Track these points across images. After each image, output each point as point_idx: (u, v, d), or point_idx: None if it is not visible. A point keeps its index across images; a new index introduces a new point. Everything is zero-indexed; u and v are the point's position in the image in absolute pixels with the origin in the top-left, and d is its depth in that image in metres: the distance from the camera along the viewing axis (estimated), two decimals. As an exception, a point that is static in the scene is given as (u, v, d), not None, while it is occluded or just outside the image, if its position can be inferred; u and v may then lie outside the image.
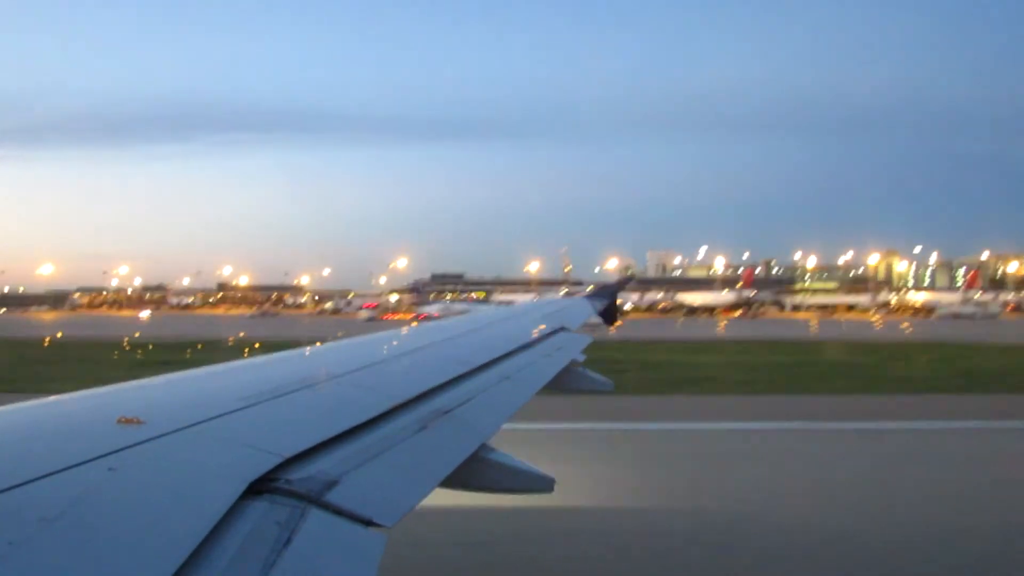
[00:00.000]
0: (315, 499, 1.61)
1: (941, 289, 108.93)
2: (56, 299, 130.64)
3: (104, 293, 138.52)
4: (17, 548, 1.16)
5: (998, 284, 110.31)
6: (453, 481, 2.16)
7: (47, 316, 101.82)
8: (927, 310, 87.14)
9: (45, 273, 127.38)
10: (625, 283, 9.88)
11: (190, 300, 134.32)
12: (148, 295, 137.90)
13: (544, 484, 2.57)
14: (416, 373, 3.10)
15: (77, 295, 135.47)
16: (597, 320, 8.19)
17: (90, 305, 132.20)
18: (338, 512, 1.60)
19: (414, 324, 5.50)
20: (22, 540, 1.19)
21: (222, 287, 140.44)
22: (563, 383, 4.45)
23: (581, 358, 5.12)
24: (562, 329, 5.67)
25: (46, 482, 1.39)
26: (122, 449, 1.60)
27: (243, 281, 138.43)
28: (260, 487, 1.59)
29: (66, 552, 1.20)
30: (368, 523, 1.60)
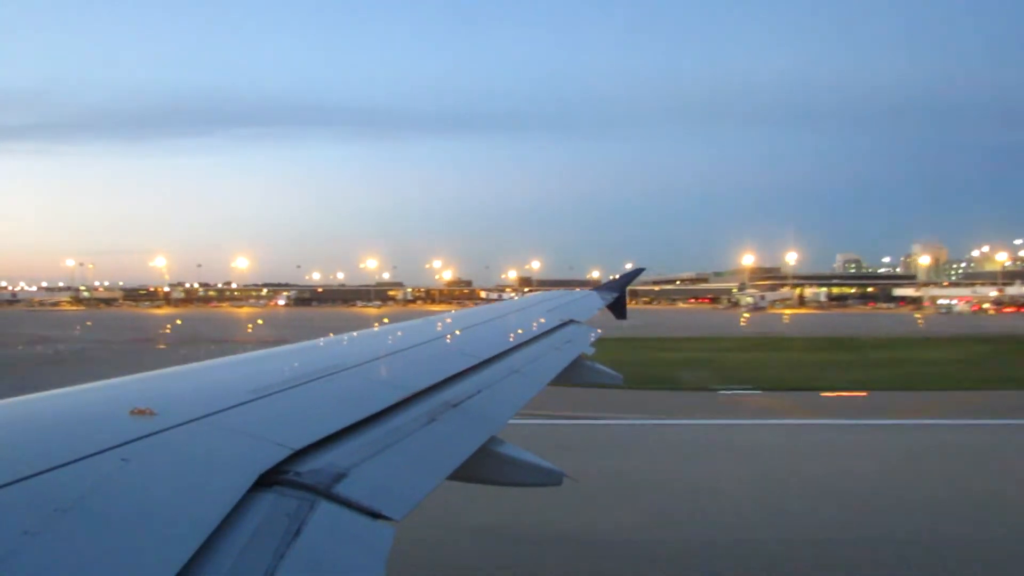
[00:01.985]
0: (324, 491, 1.62)
1: None
2: (378, 295, 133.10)
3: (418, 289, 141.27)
4: (32, 538, 1.18)
5: None
6: (462, 474, 2.17)
7: (374, 312, 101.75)
8: None
9: (370, 267, 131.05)
10: (636, 275, 9.73)
11: (511, 293, 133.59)
12: (456, 290, 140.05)
13: (553, 478, 2.57)
14: (425, 365, 3.11)
15: (411, 290, 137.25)
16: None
17: (406, 300, 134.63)
18: (347, 504, 1.61)
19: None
20: (37, 530, 1.20)
21: (524, 282, 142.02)
22: (572, 376, 4.45)
23: (591, 351, 5.12)
24: (571, 321, 5.66)
25: (60, 473, 1.41)
26: (134, 440, 1.62)
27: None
28: (270, 479, 1.61)
29: (80, 542, 1.22)
30: (376, 516, 1.61)
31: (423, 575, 6.98)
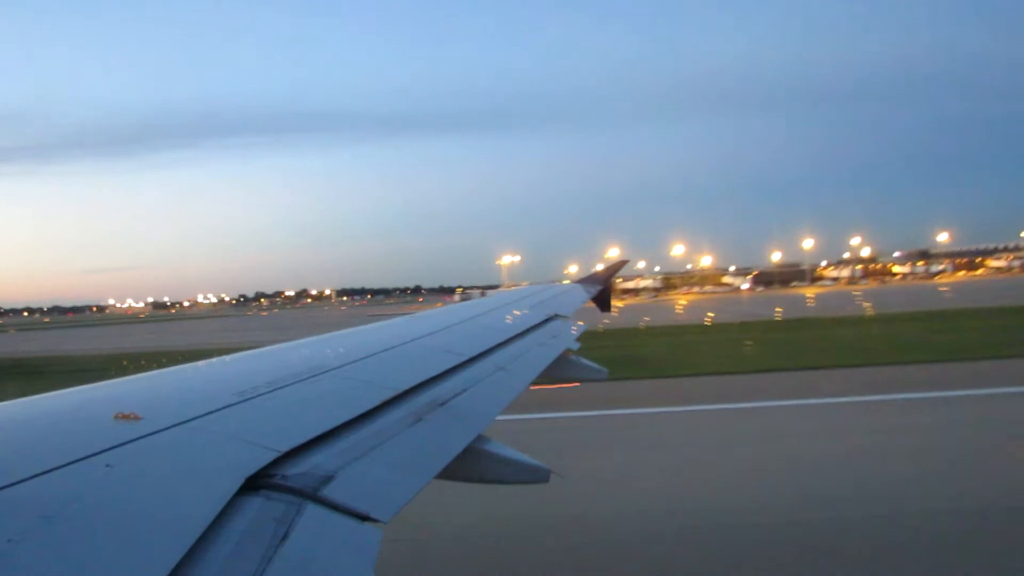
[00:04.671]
0: (311, 494, 1.62)
1: None
2: (810, 275, 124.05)
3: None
4: (16, 546, 1.17)
5: None
6: (449, 473, 2.17)
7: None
8: None
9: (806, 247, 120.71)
10: (620, 267, 9.69)
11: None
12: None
13: (540, 475, 2.58)
14: (410, 365, 3.11)
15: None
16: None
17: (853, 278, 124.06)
18: (334, 507, 1.62)
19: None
20: (21, 538, 1.20)
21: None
22: (557, 372, 4.46)
23: (576, 346, 5.13)
24: (556, 316, 5.67)
25: (44, 479, 1.40)
26: (119, 445, 1.61)
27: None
28: (256, 482, 1.61)
29: (65, 549, 1.21)
30: (364, 518, 1.62)
31: None
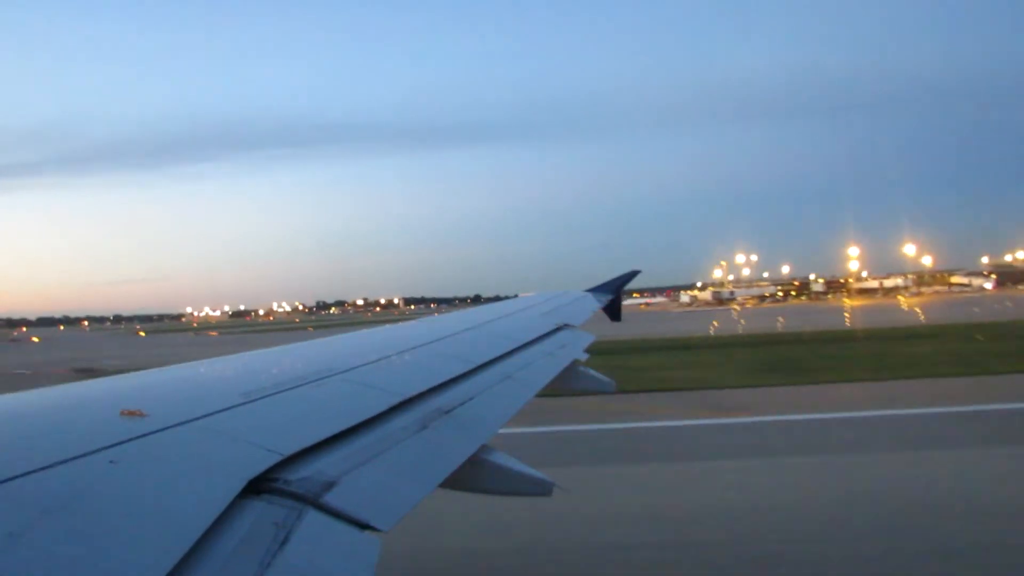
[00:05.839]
0: (312, 500, 1.62)
1: None
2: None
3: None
4: (17, 539, 1.18)
5: None
6: (452, 483, 2.16)
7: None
8: None
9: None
10: (631, 277, 9.60)
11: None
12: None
13: (543, 488, 2.56)
14: (418, 370, 3.10)
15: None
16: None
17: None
18: (335, 514, 1.61)
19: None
20: (22, 531, 1.20)
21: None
22: (565, 382, 4.44)
23: (584, 356, 5.10)
24: (565, 326, 5.64)
25: (48, 473, 1.40)
26: (124, 442, 1.61)
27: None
28: (259, 485, 1.60)
29: (65, 545, 1.21)
30: (365, 526, 1.61)
31: None
